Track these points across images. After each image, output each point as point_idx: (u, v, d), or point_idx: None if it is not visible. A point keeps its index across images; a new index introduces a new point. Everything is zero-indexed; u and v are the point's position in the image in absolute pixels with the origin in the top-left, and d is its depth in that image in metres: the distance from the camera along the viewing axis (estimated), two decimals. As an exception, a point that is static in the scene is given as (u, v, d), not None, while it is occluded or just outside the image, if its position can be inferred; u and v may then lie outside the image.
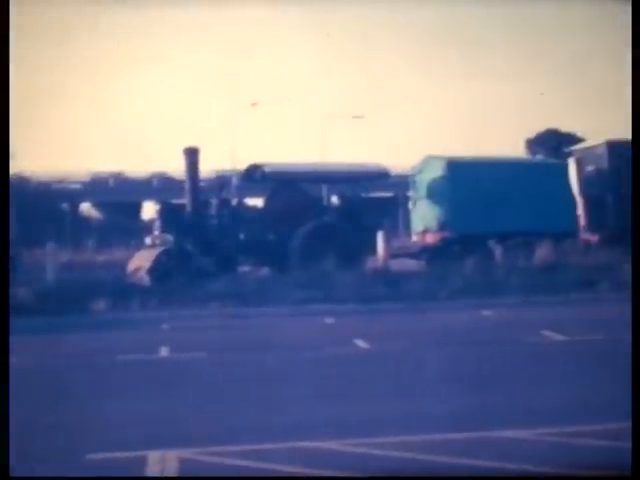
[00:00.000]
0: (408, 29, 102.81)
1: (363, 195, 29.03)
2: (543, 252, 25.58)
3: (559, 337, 15.71)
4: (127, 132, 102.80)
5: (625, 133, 27.98)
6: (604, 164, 28.67)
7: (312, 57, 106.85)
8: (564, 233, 26.86)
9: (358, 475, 7.55)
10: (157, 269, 24.63)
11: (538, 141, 49.22)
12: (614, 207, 27.82)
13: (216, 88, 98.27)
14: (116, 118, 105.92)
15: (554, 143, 35.21)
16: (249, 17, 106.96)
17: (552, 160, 31.18)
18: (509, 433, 8.71)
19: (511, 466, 7.57)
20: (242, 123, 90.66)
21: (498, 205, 26.76)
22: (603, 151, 28.76)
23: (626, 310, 19.54)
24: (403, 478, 7.40)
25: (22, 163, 65.43)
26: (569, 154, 30.62)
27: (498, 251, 26.74)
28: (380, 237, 25.90)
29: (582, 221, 28.34)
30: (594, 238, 27.81)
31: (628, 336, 15.53)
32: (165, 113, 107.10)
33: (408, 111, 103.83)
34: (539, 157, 32.75)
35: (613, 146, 28.52)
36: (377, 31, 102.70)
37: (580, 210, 28.31)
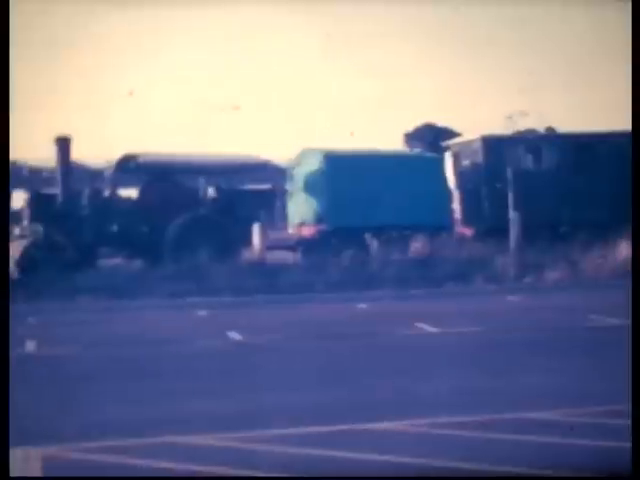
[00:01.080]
0: (291, 23, 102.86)
1: (240, 187, 28.81)
2: (418, 245, 25.81)
3: (432, 329, 15.77)
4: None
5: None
6: (479, 159, 28.93)
7: (193, 47, 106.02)
8: (439, 227, 27.10)
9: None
10: (25, 260, 24.03)
11: (416, 135, 49.55)
12: (489, 201, 28.11)
13: (92, 76, 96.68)
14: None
15: (431, 137, 35.36)
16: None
17: (429, 154, 31.31)
18: (379, 425, 8.66)
19: (376, 457, 7.54)
20: (117, 112, 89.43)
21: (374, 198, 26.82)
22: (478, 146, 29.01)
23: (500, 301, 19.94)
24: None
25: None
26: (446, 148, 30.79)
27: (374, 244, 26.86)
28: (256, 229, 25.73)
29: (457, 215, 28.57)
30: (469, 232, 28.09)
31: (503, 327, 15.78)
32: (38, 100, 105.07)
33: (286, 103, 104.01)
34: (417, 151, 32.86)
35: (488, 141, 28.81)
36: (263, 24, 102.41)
37: (456, 204, 28.55)
